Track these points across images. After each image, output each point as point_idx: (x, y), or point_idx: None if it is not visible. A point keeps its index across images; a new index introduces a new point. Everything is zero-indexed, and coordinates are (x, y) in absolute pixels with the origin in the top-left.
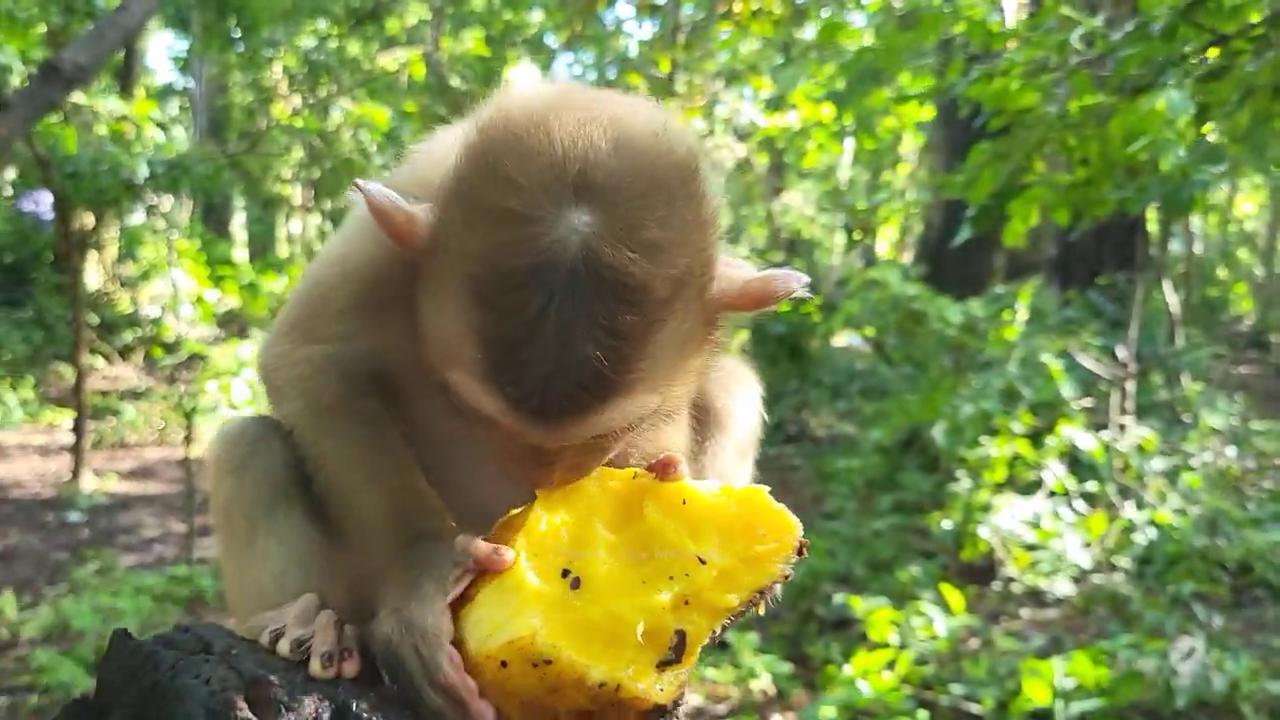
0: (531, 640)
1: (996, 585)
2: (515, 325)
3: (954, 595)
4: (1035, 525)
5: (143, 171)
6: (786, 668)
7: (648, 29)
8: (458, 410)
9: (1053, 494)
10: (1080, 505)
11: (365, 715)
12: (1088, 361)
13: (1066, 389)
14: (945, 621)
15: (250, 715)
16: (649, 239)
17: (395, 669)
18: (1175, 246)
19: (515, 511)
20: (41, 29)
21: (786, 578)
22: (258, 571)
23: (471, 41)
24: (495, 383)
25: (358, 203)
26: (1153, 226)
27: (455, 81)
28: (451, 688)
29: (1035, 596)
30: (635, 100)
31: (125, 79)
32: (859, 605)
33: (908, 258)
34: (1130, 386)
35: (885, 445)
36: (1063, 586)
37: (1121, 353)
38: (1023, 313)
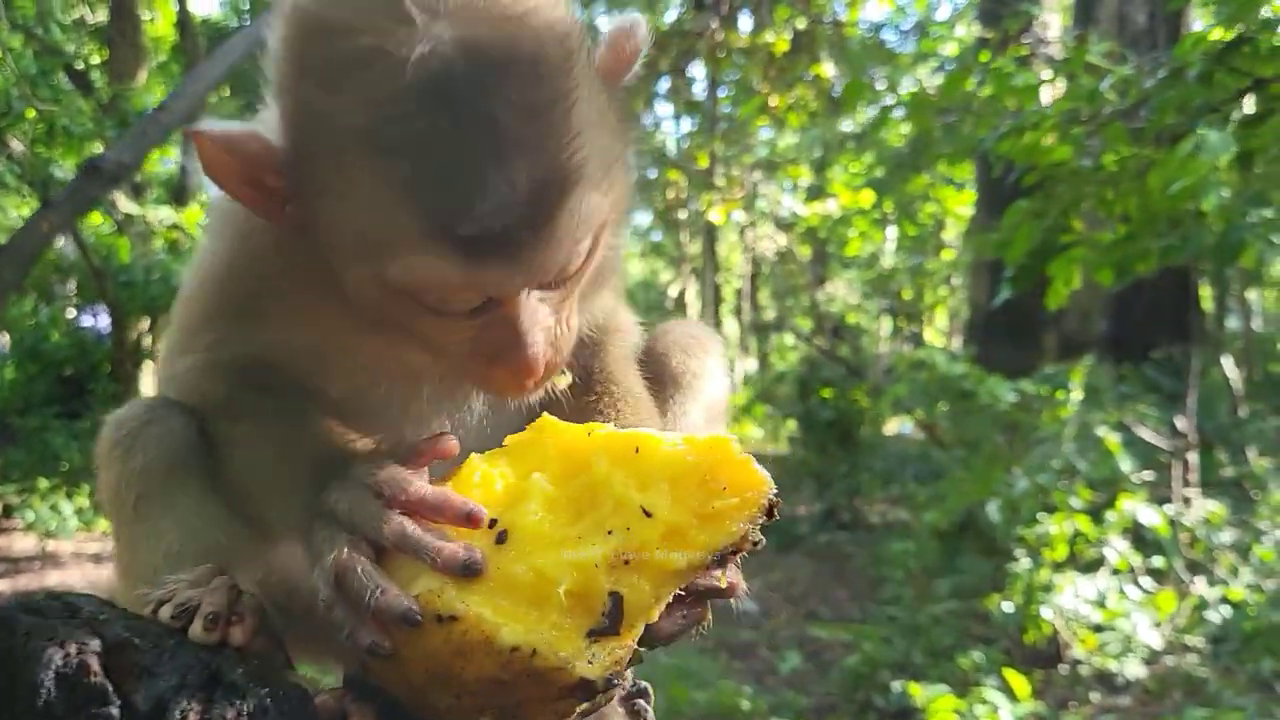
0: (439, 593)
1: (1064, 669)
2: (435, 151)
3: (1019, 681)
4: (1101, 604)
5: None
6: None
7: (686, 124)
8: (394, 341)
9: (1117, 571)
10: (1147, 582)
11: (240, 683)
12: (1146, 434)
13: (1126, 463)
14: (1011, 708)
15: (104, 681)
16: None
17: (335, 535)
18: (1233, 323)
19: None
20: (97, 145)
21: (755, 545)
22: (148, 550)
23: None
24: (438, 224)
25: (212, 198)
26: (1207, 304)
27: None
28: (424, 498)
29: (1105, 680)
30: None
31: (180, 190)
32: (919, 693)
33: (955, 343)
34: (1193, 458)
35: (940, 529)
36: (1134, 668)
37: (1181, 423)
38: (1076, 391)
